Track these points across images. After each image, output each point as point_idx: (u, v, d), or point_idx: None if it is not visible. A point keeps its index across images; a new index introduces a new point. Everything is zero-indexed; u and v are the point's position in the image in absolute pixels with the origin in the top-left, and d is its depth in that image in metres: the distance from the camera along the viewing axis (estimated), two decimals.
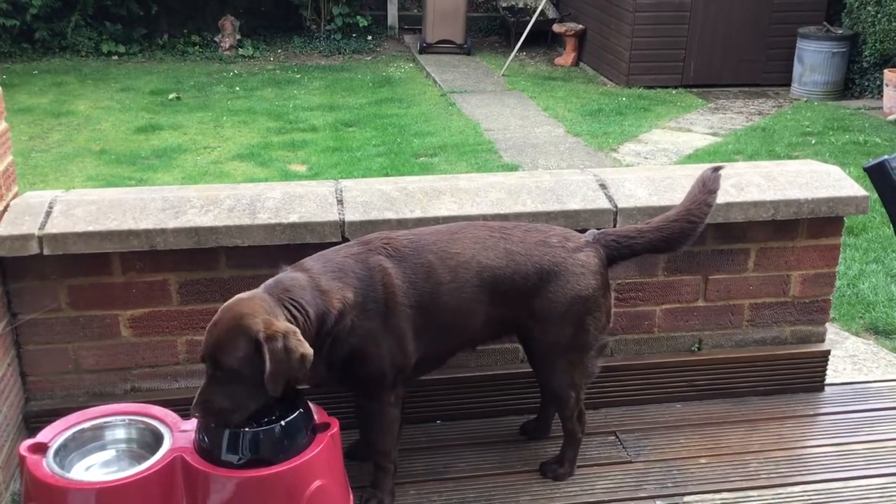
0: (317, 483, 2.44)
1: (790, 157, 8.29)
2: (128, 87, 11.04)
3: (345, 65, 12.63)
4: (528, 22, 12.47)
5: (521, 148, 8.93)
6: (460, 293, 2.67)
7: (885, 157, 2.67)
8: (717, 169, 2.85)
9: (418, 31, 13.62)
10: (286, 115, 10.09)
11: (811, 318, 3.44)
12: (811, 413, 3.39)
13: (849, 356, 4.57)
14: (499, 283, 2.70)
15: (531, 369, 2.95)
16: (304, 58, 12.97)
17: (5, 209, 2.89)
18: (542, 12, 12.78)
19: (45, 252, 2.82)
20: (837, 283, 3.58)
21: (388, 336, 2.61)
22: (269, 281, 2.52)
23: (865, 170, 2.72)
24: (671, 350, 3.39)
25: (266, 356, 2.29)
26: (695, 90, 11.22)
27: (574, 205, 3.09)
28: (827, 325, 3.50)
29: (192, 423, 2.50)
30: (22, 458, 2.43)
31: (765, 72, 11.39)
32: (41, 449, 2.45)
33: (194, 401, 2.39)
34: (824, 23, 11.02)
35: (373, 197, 3.06)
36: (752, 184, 3.23)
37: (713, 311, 3.36)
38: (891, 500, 2.90)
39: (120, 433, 2.62)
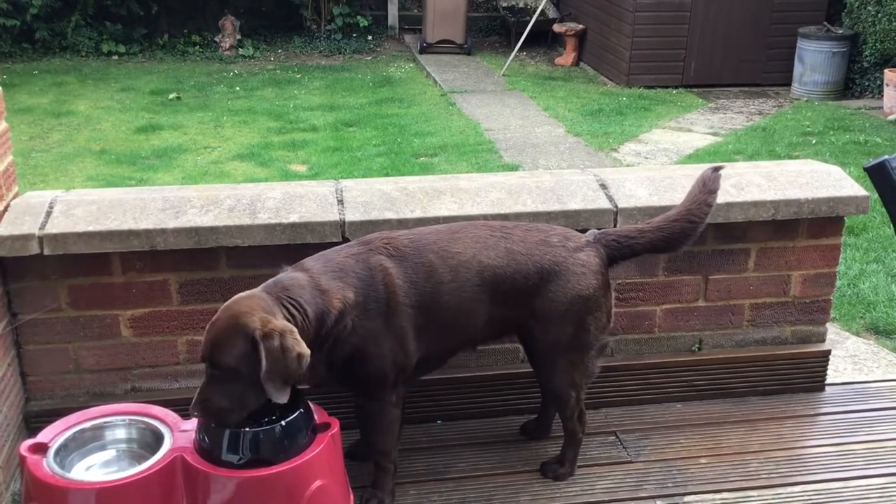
0: (317, 483, 2.44)
1: (790, 157, 8.29)
2: (128, 87, 11.04)
3: (345, 65, 12.64)
4: (529, 22, 12.47)
5: (521, 148, 8.93)
6: (461, 293, 2.67)
7: (886, 156, 2.67)
8: (717, 169, 2.85)
9: (418, 31, 13.61)
10: (286, 115, 10.09)
11: (811, 318, 3.44)
12: (811, 413, 3.39)
13: (849, 356, 4.57)
14: (500, 282, 2.70)
15: (531, 369, 2.95)
16: (304, 58, 12.97)
17: (6, 209, 2.89)
18: (543, 12, 12.77)
19: (46, 252, 2.82)
20: (838, 282, 3.58)
21: (389, 336, 2.61)
22: (269, 280, 2.53)
23: (866, 170, 2.72)
24: (671, 350, 3.39)
25: (262, 354, 2.29)
26: (695, 90, 11.22)
27: (574, 205, 3.09)
28: (827, 325, 3.50)
29: (192, 423, 2.50)
30: (22, 458, 2.43)
31: (765, 72, 11.39)
32: (41, 449, 2.46)
33: (193, 400, 2.39)
34: (824, 22, 11.02)
35: (373, 197, 3.06)
36: (753, 184, 3.23)
37: (713, 311, 3.36)
38: (891, 501, 2.90)
39: (120, 433, 2.62)
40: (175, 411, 2.63)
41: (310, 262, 2.60)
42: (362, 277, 2.57)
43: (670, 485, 2.97)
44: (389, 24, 14.29)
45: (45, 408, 3.02)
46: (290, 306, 2.43)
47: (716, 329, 3.39)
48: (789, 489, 2.95)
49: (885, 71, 9.98)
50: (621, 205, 3.10)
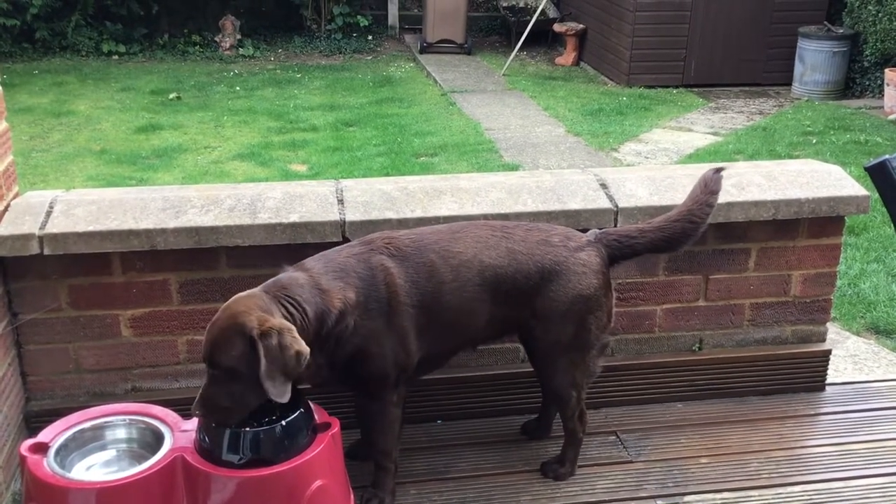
0: (317, 483, 2.44)
1: (791, 157, 8.29)
2: (128, 87, 11.04)
3: (345, 64, 12.64)
4: (529, 21, 12.47)
5: (521, 147, 8.93)
6: (462, 292, 2.67)
7: (886, 156, 2.66)
8: (718, 170, 2.85)
9: (419, 31, 13.61)
10: (287, 114, 10.09)
11: (812, 317, 3.44)
12: (812, 413, 3.39)
13: (850, 356, 4.57)
14: (500, 282, 2.70)
15: (532, 369, 2.95)
16: (304, 57, 12.97)
17: (6, 209, 2.89)
18: (543, 12, 12.77)
19: (46, 252, 2.82)
20: (838, 282, 3.58)
21: (391, 336, 2.61)
22: (269, 280, 2.53)
23: (866, 169, 2.71)
24: (672, 350, 3.39)
25: (260, 353, 2.29)
26: (695, 90, 11.22)
27: (575, 204, 3.09)
28: (828, 324, 3.50)
29: (192, 423, 2.50)
30: (23, 458, 2.43)
31: (765, 71, 11.38)
32: (42, 449, 2.45)
33: (195, 400, 2.39)
34: (825, 22, 11.02)
35: (373, 197, 3.06)
36: (753, 183, 3.23)
37: (714, 310, 3.36)
38: (891, 500, 2.90)
39: (120, 433, 2.62)
40: (175, 411, 2.63)
41: (310, 262, 2.60)
42: (364, 277, 2.57)
43: (671, 484, 2.97)
44: (389, 23, 14.29)
45: (46, 407, 3.02)
46: (288, 305, 2.43)
47: (716, 329, 3.39)
48: (790, 489, 2.95)
49: (886, 70, 9.97)
50: (622, 204, 3.10)
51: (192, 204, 2.97)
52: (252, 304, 2.39)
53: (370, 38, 13.74)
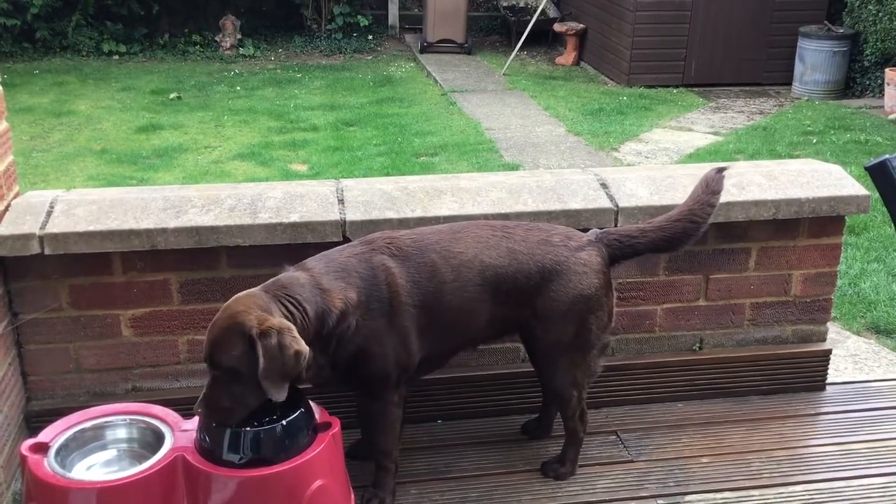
0: (318, 482, 2.44)
1: (791, 157, 8.29)
2: (129, 87, 11.04)
3: (346, 64, 12.64)
4: (529, 21, 12.47)
5: (521, 147, 8.93)
6: (463, 292, 2.67)
7: (887, 156, 2.66)
8: (720, 170, 2.85)
9: (419, 31, 13.61)
10: (287, 114, 10.09)
11: (812, 317, 3.44)
12: (812, 412, 3.39)
13: (850, 355, 4.57)
14: (501, 281, 2.70)
15: (532, 369, 2.95)
16: (304, 57, 12.97)
17: (6, 209, 2.89)
18: (543, 11, 12.77)
19: (47, 252, 2.82)
20: (839, 282, 3.58)
21: (393, 335, 2.61)
22: (270, 280, 2.53)
23: (867, 169, 2.71)
24: (672, 349, 3.39)
25: (259, 352, 2.29)
26: (696, 89, 11.22)
27: (575, 204, 3.09)
28: (828, 324, 3.50)
29: (193, 423, 2.50)
30: (23, 458, 2.43)
31: (766, 71, 11.38)
32: (42, 448, 2.45)
33: (198, 400, 2.40)
34: (825, 22, 11.01)
35: (374, 196, 3.06)
36: (754, 183, 3.23)
37: (714, 310, 3.36)
38: (892, 500, 2.90)
39: (121, 433, 2.62)
40: (176, 411, 2.63)
41: (312, 261, 2.60)
42: (365, 277, 2.57)
43: (671, 484, 2.97)
44: (390, 23, 14.29)
45: (46, 407, 3.02)
46: (288, 304, 2.43)
47: (717, 328, 3.39)
48: (790, 488, 2.95)
49: (886, 70, 9.97)
50: (622, 204, 3.10)
51: (192, 204, 2.97)
52: (251, 303, 2.39)
53: (370, 37, 13.74)
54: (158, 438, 2.53)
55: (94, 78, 11.43)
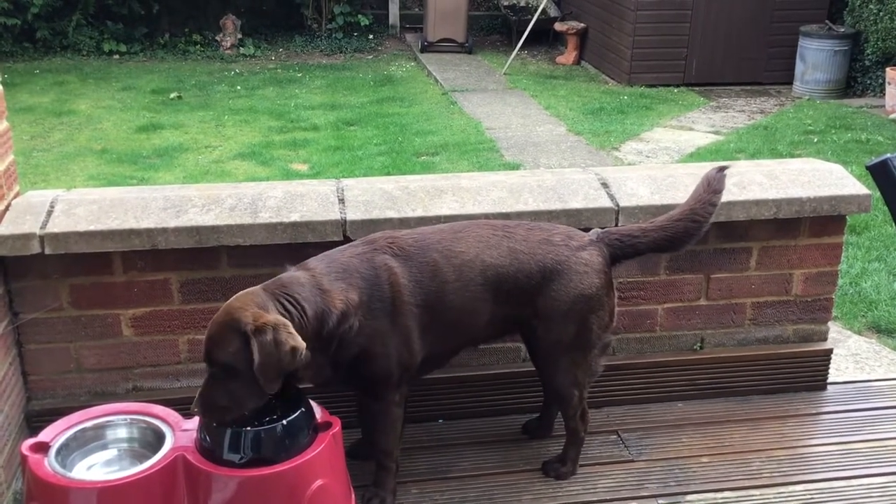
0: (318, 482, 2.44)
1: (792, 156, 8.29)
2: (129, 87, 11.04)
3: (346, 64, 12.64)
4: (530, 20, 12.46)
5: (522, 147, 8.93)
6: (465, 292, 2.67)
7: (888, 155, 2.66)
8: (722, 169, 2.84)
9: (420, 30, 13.61)
10: (287, 114, 10.09)
11: (813, 316, 3.44)
12: (813, 412, 3.39)
13: (851, 355, 4.57)
14: (503, 281, 2.69)
15: (533, 368, 2.95)
16: (305, 57, 12.98)
17: (7, 208, 2.89)
18: (544, 11, 12.77)
19: (47, 251, 2.81)
20: (840, 281, 3.58)
21: (395, 335, 2.60)
22: (271, 279, 2.52)
23: (868, 168, 2.71)
24: (673, 349, 3.39)
25: (254, 348, 2.29)
26: (697, 89, 11.22)
27: (576, 203, 3.08)
28: (829, 323, 3.50)
29: (193, 423, 2.50)
30: (24, 458, 2.43)
31: (767, 70, 11.38)
32: (43, 448, 2.45)
33: (195, 398, 2.39)
34: (826, 21, 11.01)
35: (374, 196, 3.06)
36: (755, 182, 3.22)
37: (715, 309, 3.36)
38: (893, 500, 2.90)
39: (121, 432, 2.62)
40: (176, 410, 2.63)
41: (313, 261, 2.60)
42: (367, 277, 2.57)
43: (672, 484, 2.96)
44: (390, 22, 14.29)
45: (47, 407, 3.02)
46: (286, 302, 2.43)
47: (717, 328, 3.39)
48: (791, 488, 2.94)
49: (887, 69, 9.97)
50: (623, 203, 3.09)
51: (192, 203, 2.97)
52: (249, 300, 2.39)
53: (371, 37, 13.74)
54: (159, 438, 2.53)
55: (95, 77, 11.43)
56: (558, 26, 12.81)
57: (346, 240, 2.87)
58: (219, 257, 2.98)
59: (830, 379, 3.53)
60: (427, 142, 9.01)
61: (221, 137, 9.26)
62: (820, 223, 3.29)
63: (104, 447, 2.59)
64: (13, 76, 11.10)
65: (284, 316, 2.39)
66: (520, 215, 3.01)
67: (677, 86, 11.24)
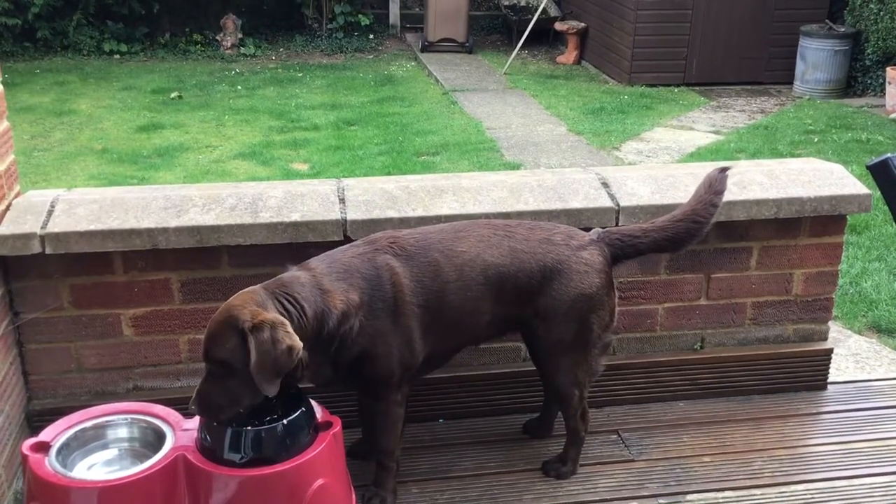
0: (319, 482, 2.44)
1: (793, 156, 8.28)
2: (130, 86, 11.04)
3: (346, 63, 12.63)
4: (530, 20, 12.46)
5: (522, 146, 8.93)
6: (466, 291, 2.67)
7: (888, 154, 2.66)
8: (724, 170, 2.84)
9: (420, 30, 13.61)
10: (288, 113, 10.09)
11: (814, 316, 3.44)
12: (814, 411, 3.39)
13: (852, 354, 4.57)
14: (503, 281, 2.69)
15: (534, 368, 2.95)
16: (305, 56, 12.97)
17: (7, 208, 2.89)
18: (544, 11, 12.76)
19: (48, 251, 2.82)
20: (840, 281, 3.58)
21: (397, 335, 2.60)
22: (272, 278, 2.53)
23: (868, 168, 2.71)
24: (674, 348, 3.39)
25: (251, 345, 2.29)
26: (697, 88, 11.22)
27: (576, 203, 3.09)
28: (829, 323, 3.50)
29: (194, 422, 2.50)
30: (24, 457, 2.43)
31: (767, 70, 11.38)
32: (43, 448, 2.45)
33: (192, 396, 2.40)
34: (826, 21, 11.01)
35: (375, 196, 3.06)
36: (755, 182, 3.22)
37: (715, 309, 3.36)
38: (894, 499, 2.90)
39: (122, 432, 2.62)
40: (177, 410, 2.62)
41: (315, 261, 2.60)
42: (368, 277, 2.57)
43: (673, 483, 2.96)
44: (391, 22, 14.29)
45: (47, 407, 3.02)
46: (285, 301, 2.42)
47: (718, 327, 3.39)
48: (792, 487, 2.94)
49: (888, 69, 9.97)
50: (623, 203, 3.09)
51: (193, 203, 2.97)
52: (248, 299, 2.40)
53: (371, 37, 13.74)
54: (160, 438, 2.53)
55: (95, 77, 11.43)
56: (559, 26, 12.81)
57: (347, 239, 2.87)
58: (219, 257, 2.98)
59: (831, 378, 3.53)
60: (427, 141, 9.01)
61: (222, 137, 9.26)
62: (820, 223, 3.29)
63: (105, 447, 2.59)
64: (14, 76, 11.11)
65: (283, 315, 2.39)
66: (520, 215, 3.01)
67: (678, 85, 11.24)
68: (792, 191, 3.20)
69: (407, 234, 2.72)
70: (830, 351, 3.50)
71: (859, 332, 4.92)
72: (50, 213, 2.89)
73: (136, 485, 2.35)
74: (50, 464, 2.40)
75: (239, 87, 11.20)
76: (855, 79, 10.95)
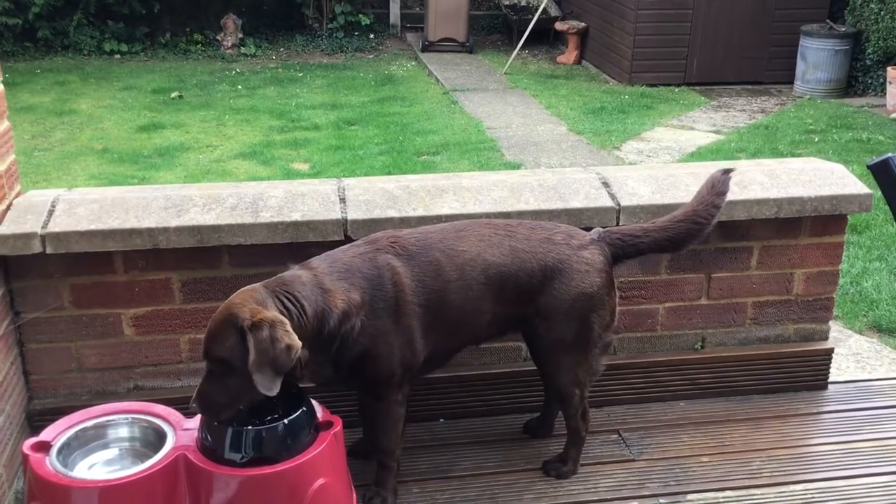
0: (320, 481, 2.44)
1: (793, 155, 8.28)
2: (130, 86, 11.04)
3: (347, 63, 12.63)
4: (531, 20, 12.46)
5: (523, 146, 8.93)
6: (467, 291, 2.67)
7: (889, 154, 2.66)
8: (727, 171, 2.83)
9: (420, 30, 13.61)
10: (288, 113, 10.09)
11: (814, 316, 3.44)
12: (814, 411, 3.39)
13: (852, 354, 4.57)
14: (504, 280, 2.69)
15: (534, 367, 2.95)
16: (306, 56, 12.98)
17: (8, 208, 2.89)
18: (545, 10, 12.77)
19: (48, 251, 2.82)
20: (841, 280, 3.58)
21: (398, 335, 2.60)
22: (273, 277, 2.53)
23: (869, 167, 2.71)
24: (674, 348, 3.39)
25: (250, 344, 2.29)
26: (697, 88, 11.22)
27: (577, 203, 3.09)
28: (830, 323, 3.50)
29: (195, 422, 2.50)
30: (25, 457, 2.43)
31: (768, 69, 11.38)
32: (44, 447, 2.46)
33: (193, 395, 2.40)
34: (827, 20, 11.01)
35: (375, 195, 3.06)
36: (756, 182, 3.22)
37: (716, 309, 3.36)
38: (894, 499, 2.90)
39: (123, 432, 2.62)
40: (178, 410, 2.63)
41: (316, 261, 2.60)
42: (369, 277, 2.57)
43: (673, 483, 2.96)
44: (391, 22, 14.29)
45: (48, 406, 3.02)
46: (285, 300, 2.42)
47: (718, 327, 3.39)
48: (792, 487, 2.94)
49: (888, 69, 9.97)
50: (624, 203, 3.09)
51: (194, 203, 2.97)
52: (248, 297, 2.40)
53: (372, 36, 13.75)
54: (160, 437, 2.53)
55: (96, 77, 11.43)
56: (559, 26, 12.81)
57: (348, 239, 2.87)
58: (220, 257, 2.98)
59: (831, 378, 3.53)
60: (428, 141, 9.01)
61: (222, 137, 9.26)
62: (821, 222, 3.29)
63: (105, 446, 2.59)
64: (14, 76, 11.11)
65: (283, 314, 2.39)
66: (521, 214, 3.01)
67: (678, 85, 11.24)
68: (792, 190, 3.20)
69: (408, 233, 2.72)
70: (831, 351, 3.50)
71: (860, 332, 4.92)
72: (51, 212, 2.89)
73: (136, 484, 2.36)
74: (51, 463, 2.40)
75: (239, 87, 11.20)
76: (855, 78, 10.95)
